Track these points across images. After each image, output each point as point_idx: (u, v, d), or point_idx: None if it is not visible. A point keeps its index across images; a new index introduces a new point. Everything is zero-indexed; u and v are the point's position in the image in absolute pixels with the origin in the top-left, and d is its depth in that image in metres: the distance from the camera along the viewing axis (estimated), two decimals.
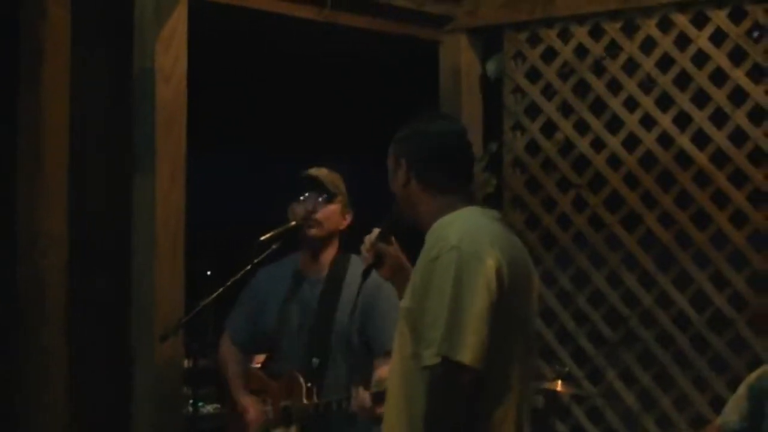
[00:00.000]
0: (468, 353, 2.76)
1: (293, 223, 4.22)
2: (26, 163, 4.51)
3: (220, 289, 4.01)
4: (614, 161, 5.54)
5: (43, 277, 4.48)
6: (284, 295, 4.35)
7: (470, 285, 2.81)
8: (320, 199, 4.23)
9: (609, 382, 5.49)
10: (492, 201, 5.57)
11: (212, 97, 5.74)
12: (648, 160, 5.47)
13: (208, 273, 6.29)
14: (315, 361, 4.15)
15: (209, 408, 5.80)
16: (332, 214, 4.27)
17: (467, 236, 2.87)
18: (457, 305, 2.79)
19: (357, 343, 4.18)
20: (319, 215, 4.23)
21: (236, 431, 4.37)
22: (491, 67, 5.90)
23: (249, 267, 4.08)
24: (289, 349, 4.29)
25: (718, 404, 5.23)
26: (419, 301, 2.88)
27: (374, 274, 3.50)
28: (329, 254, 4.31)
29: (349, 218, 4.31)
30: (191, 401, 4.22)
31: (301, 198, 4.25)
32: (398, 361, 3.00)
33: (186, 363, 4.79)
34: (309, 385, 4.12)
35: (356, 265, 4.19)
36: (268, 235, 4.12)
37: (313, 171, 4.28)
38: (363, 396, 3.86)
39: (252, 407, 4.32)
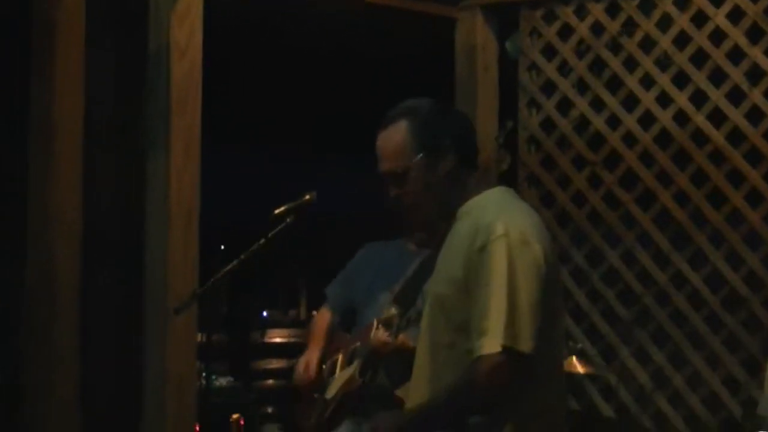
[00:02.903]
0: (529, 342, 2.77)
1: (307, 197, 4.22)
2: (39, 142, 4.52)
3: (234, 263, 4.02)
4: (630, 139, 5.52)
5: (55, 253, 4.48)
6: (383, 266, 4.41)
7: (524, 273, 2.80)
8: None
9: (622, 360, 5.48)
10: (507, 179, 5.56)
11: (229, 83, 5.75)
12: (664, 138, 5.45)
13: (222, 247, 6.31)
14: (393, 310, 4.18)
15: (222, 381, 5.83)
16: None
17: (511, 222, 2.85)
18: (514, 295, 2.78)
19: None
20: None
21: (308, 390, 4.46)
22: (511, 46, 5.87)
23: (263, 240, 4.08)
24: (371, 310, 4.34)
25: (731, 383, 5.24)
26: (461, 290, 2.86)
27: None
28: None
29: None
30: (204, 375, 4.25)
31: None
32: (428, 350, 2.97)
33: (199, 338, 4.81)
34: (380, 326, 4.16)
35: None
36: (282, 209, 4.12)
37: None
38: (380, 335, 4.01)
39: (303, 360, 4.42)
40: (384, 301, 4.32)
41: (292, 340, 8.02)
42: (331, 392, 4.35)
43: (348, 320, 4.65)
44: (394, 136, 3.00)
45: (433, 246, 3.09)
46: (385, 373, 4.16)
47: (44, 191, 4.48)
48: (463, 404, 2.86)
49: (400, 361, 4.03)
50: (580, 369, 4.97)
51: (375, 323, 4.23)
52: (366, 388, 4.23)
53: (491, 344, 2.76)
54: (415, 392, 3.03)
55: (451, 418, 2.87)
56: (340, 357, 4.41)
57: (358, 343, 4.31)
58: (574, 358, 4.87)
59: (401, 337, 4.06)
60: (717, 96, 5.29)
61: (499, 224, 2.83)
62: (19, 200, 4.53)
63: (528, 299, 2.79)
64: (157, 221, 4.72)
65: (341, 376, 4.35)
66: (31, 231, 4.51)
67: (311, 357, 4.44)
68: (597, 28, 5.61)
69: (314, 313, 4.69)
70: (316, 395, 4.42)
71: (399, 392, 4.05)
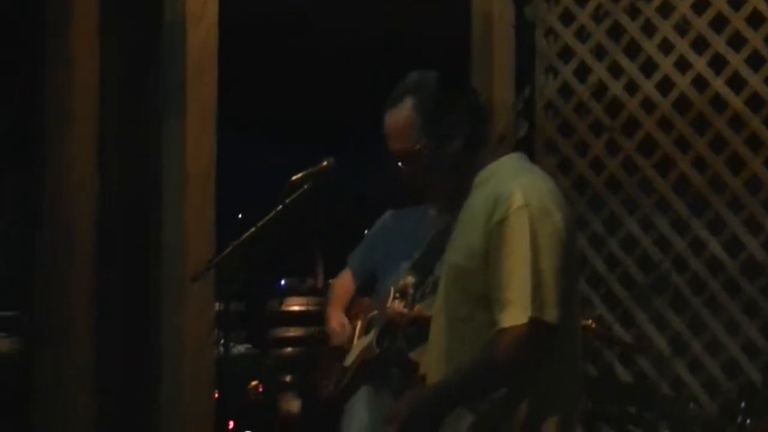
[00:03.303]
0: (554, 313, 2.76)
1: (324, 163, 4.21)
2: (56, 104, 4.51)
3: (252, 230, 4.02)
4: (648, 105, 5.48)
5: (72, 214, 4.49)
6: (406, 233, 4.43)
7: (546, 243, 2.78)
8: None
9: (640, 326, 5.47)
10: (524, 145, 5.53)
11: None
12: (682, 104, 5.41)
13: (240, 216, 6.30)
14: (410, 278, 4.18)
15: (240, 348, 5.85)
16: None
17: (531, 192, 2.82)
18: (538, 265, 2.76)
19: None
20: None
21: (326, 356, 4.47)
22: (530, 11, 5.83)
23: (280, 207, 4.08)
24: (391, 278, 4.36)
25: (749, 349, 5.23)
26: (480, 263, 2.83)
27: None
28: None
29: None
30: (221, 342, 4.25)
31: None
32: (444, 322, 2.95)
33: (217, 306, 4.82)
34: (397, 295, 4.17)
35: None
36: (299, 175, 4.11)
37: None
38: (396, 305, 4.07)
39: (335, 319, 4.46)
40: (403, 269, 4.32)
41: (310, 308, 8.03)
42: (348, 360, 4.37)
43: (369, 286, 4.67)
44: (400, 117, 2.96)
45: (454, 210, 3.06)
46: (405, 343, 4.17)
47: (61, 152, 4.48)
48: (487, 379, 2.83)
49: (418, 330, 4.05)
50: (596, 333, 4.96)
51: (391, 292, 4.24)
52: (383, 357, 4.25)
53: (516, 316, 2.75)
54: (432, 364, 3.01)
55: (474, 394, 2.86)
56: (359, 324, 4.42)
57: (376, 312, 4.32)
58: (591, 323, 4.85)
59: (418, 307, 4.07)
60: (736, 61, 5.25)
61: (519, 194, 2.81)
62: (38, 162, 4.54)
63: (551, 269, 2.77)
64: (173, 187, 4.73)
65: (359, 343, 4.36)
66: (48, 192, 4.51)
67: (341, 317, 4.46)
68: None
69: (330, 281, 4.69)
70: (335, 363, 4.44)
71: (413, 355, 4.07)
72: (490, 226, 2.81)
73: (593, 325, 4.83)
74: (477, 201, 2.90)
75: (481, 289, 2.83)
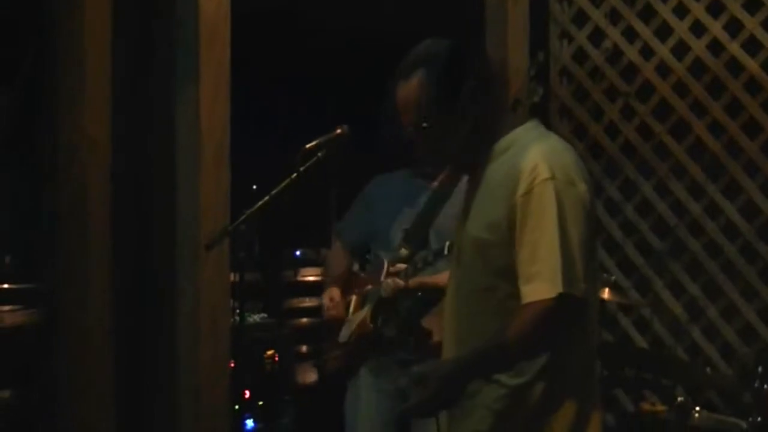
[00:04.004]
0: (582, 287, 2.72)
1: (338, 131, 4.19)
2: (68, 72, 4.50)
3: (266, 197, 4.00)
4: (663, 69, 5.46)
5: (85, 186, 4.49)
6: (397, 199, 4.40)
7: (573, 215, 2.73)
8: None
9: (656, 291, 5.46)
10: (538, 111, 5.51)
11: None
12: (698, 68, 5.39)
13: (254, 187, 6.30)
14: (403, 251, 4.17)
15: (256, 318, 5.85)
16: None
17: (555, 163, 2.76)
18: (566, 238, 2.71)
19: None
20: None
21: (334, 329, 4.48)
22: None
23: (295, 175, 4.06)
24: (384, 249, 4.35)
25: (766, 314, 5.22)
26: (503, 235, 2.77)
27: None
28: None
29: None
30: (237, 311, 4.25)
31: None
32: (464, 294, 2.91)
33: (232, 277, 4.81)
34: (391, 269, 4.16)
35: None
36: (313, 143, 4.09)
37: None
38: (391, 282, 4.06)
39: (326, 294, 4.44)
40: (395, 239, 4.31)
41: (326, 278, 8.03)
42: (344, 336, 4.35)
43: (359, 255, 4.65)
44: (411, 89, 2.90)
45: (470, 180, 3.03)
46: (407, 313, 4.16)
47: (73, 118, 4.47)
48: (515, 352, 2.80)
49: (418, 299, 4.07)
50: (613, 299, 4.95)
51: (386, 265, 4.22)
52: (378, 334, 4.24)
53: (544, 290, 2.70)
54: (450, 333, 2.99)
55: (501, 367, 2.85)
56: (354, 299, 4.41)
57: (370, 286, 4.31)
58: (607, 290, 4.84)
59: (414, 280, 4.08)
60: (752, 24, 5.22)
61: (544, 166, 2.75)
62: (49, 128, 4.53)
63: (578, 242, 2.73)
64: (187, 154, 4.71)
65: (354, 318, 4.34)
66: (62, 156, 4.50)
67: (334, 292, 4.45)
68: None
69: (326, 252, 4.67)
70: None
71: (425, 322, 4.07)
72: (514, 199, 2.75)
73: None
74: (497, 172, 2.85)
75: (504, 261, 2.79)
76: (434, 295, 3.92)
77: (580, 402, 2.85)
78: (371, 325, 4.24)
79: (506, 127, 2.91)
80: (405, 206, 4.36)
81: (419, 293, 4.09)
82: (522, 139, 2.87)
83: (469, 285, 2.90)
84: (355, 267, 4.74)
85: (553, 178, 2.73)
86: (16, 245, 5.29)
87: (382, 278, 4.20)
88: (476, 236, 2.86)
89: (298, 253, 8.46)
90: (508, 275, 2.77)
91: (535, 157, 2.78)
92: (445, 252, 3.91)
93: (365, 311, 4.27)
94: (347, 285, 4.52)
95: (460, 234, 2.98)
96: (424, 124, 2.90)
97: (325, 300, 4.46)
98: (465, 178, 3.91)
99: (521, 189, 2.75)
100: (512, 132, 2.89)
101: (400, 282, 4.05)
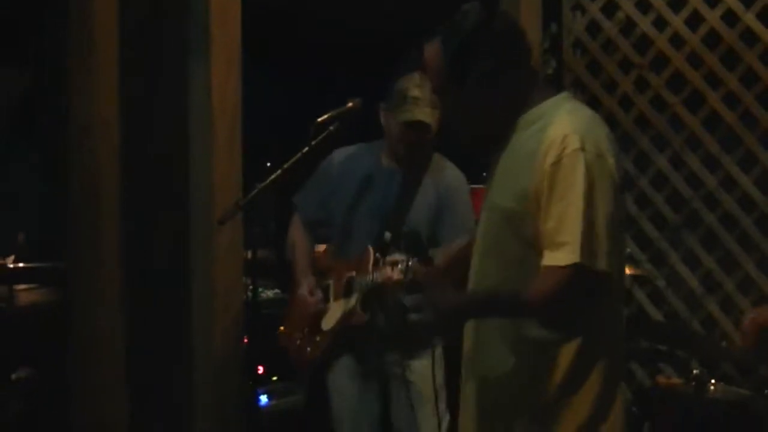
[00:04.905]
0: (606, 259, 2.72)
1: (350, 104, 4.17)
2: (77, 51, 4.48)
3: (278, 171, 3.99)
4: (677, 40, 5.41)
5: (98, 163, 4.48)
6: (361, 179, 4.35)
7: (601, 188, 2.73)
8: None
9: (672, 265, 5.43)
10: (552, 84, 5.47)
11: None
12: (712, 39, 5.34)
13: (268, 164, 6.28)
14: (387, 235, 4.14)
15: (269, 293, 5.84)
16: (435, 129, 4.29)
17: (586, 135, 2.76)
18: (592, 210, 2.71)
19: (426, 234, 4.18)
20: (432, 131, 4.28)
21: (295, 314, 4.42)
22: None
23: (306, 149, 4.05)
24: (359, 232, 4.30)
25: None
26: (531, 205, 2.78)
27: (453, 167, 4.08)
28: (418, 152, 4.31)
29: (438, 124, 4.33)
30: (250, 287, 4.24)
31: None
32: (495, 266, 2.91)
33: (246, 254, 4.80)
34: (377, 255, 4.13)
35: (439, 165, 4.35)
36: (325, 116, 4.08)
37: (420, 114, 4.22)
38: (389, 272, 3.99)
39: (307, 284, 4.37)
40: (369, 224, 4.26)
41: None
42: (328, 323, 4.30)
43: (318, 231, 4.59)
44: (431, 54, 2.93)
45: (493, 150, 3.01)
46: (404, 303, 4.10)
47: (83, 94, 4.46)
48: (523, 311, 2.83)
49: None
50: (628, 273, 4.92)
51: (371, 252, 4.17)
52: (371, 324, 4.19)
53: (562, 257, 2.71)
54: None
55: (510, 315, 2.86)
56: (332, 284, 4.35)
57: (354, 273, 4.26)
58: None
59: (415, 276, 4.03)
60: None
61: (575, 137, 2.75)
62: (61, 106, 4.52)
63: (604, 215, 2.73)
64: (200, 132, 4.70)
65: (337, 306, 4.28)
66: (73, 136, 4.50)
67: (310, 281, 4.39)
68: None
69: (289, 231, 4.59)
70: (305, 321, 4.37)
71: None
72: (543, 168, 2.76)
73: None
74: (527, 143, 2.84)
75: (533, 232, 2.78)
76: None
77: (605, 380, 2.84)
78: (363, 314, 4.19)
79: (536, 99, 2.89)
80: (370, 188, 4.32)
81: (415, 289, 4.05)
82: (552, 110, 2.85)
83: (500, 256, 2.89)
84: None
85: (583, 149, 2.72)
86: (30, 224, 5.30)
87: (370, 266, 4.15)
88: (504, 206, 2.85)
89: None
90: (538, 245, 2.76)
91: (565, 128, 2.77)
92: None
93: (354, 299, 4.21)
94: (314, 264, 4.46)
95: (485, 206, 2.97)
96: (440, 87, 2.90)
97: (305, 291, 4.36)
98: (435, 168, 3.99)
99: (550, 158, 2.75)
100: (542, 103, 2.88)
101: (399, 275, 3.93)
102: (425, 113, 4.18)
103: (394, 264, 4.00)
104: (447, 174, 4.37)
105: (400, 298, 4.07)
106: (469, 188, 4.38)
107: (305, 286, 4.37)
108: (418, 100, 4.18)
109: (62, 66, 4.52)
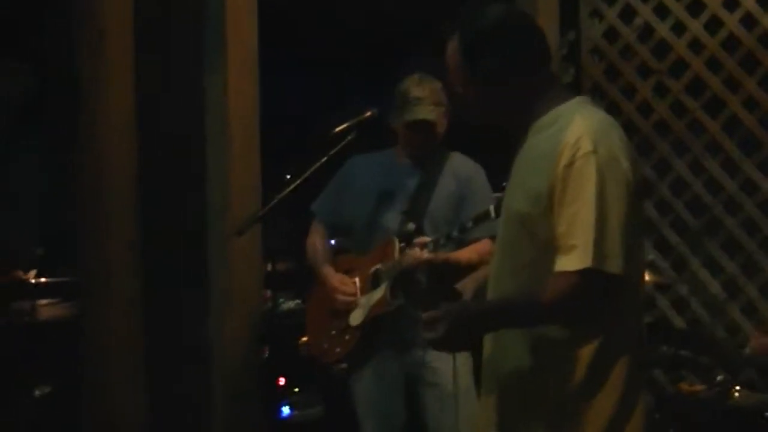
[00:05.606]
0: (619, 262, 2.68)
1: (368, 113, 4.18)
2: (89, 56, 4.48)
3: (297, 182, 4.01)
4: (696, 45, 5.39)
5: (112, 171, 4.48)
6: (380, 179, 4.37)
7: (613, 192, 2.69)
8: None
9: (693, 271, 5.40)
10: (570, 90, 5.44)
11: None
12: (731, 43, 5.32)
13: (288, 177, 6.28)
14: (411, 225, 4.15)
15: (290, 304, 5.83)
16: (442, 125, 4.32)
17: (599, 138, 2.72)
18: (604, 213, 2.68)
19: (450, 221, 4.22)
20: (439, 128, 4.30)
21: (317, 320, 4.42)
22: None
23: (325, 159, 4.06)
24: (381, 229, 4.31)
25: None
26: (545, 208, 2.75)
27: (467, 159, 4.11)
28: (428, 150, 4.35)
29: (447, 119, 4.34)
30: (270, 297, 4.24)
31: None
32: (509, 269, 2.88)
33: (266, 267, 4.80)
34: (403, 245, 4.12)
35: (455, 159, 4.37)
36: (343, 126, 4.09)
37: (422, 112, 4.22)
38: (416, 253, 4.02)
39: (335, 277, 4.37)
40: (391, 220, 4.26)
41: None
42: (356, 318, 4.29)
43: (338, 236, 4.60)
44: (450, 52, 2.91)
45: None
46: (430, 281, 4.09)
47: (96, 104, 4.47)
48: (534, 318, 2.81)
49: (443, 274, 4.01)
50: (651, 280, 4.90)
51: (395, 241, 4.17)
52: (401, 311, 4.17)
53: (575, 262, 2.68)
54: None
55: (525, 323, 2.83)
56: (357, 280, 4.35)
57: (380, 265, 4.26)
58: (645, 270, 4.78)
59: (441, 254, 4.02)
60: None
61: (588, 140, 2.72)
62: (73, 114, 4.53)
63: (618, 218, 2.70)
64: (216, 139, 4.70)
65: (366, 300, 4.27)
66: (82, 135, 4.50)
67: (341, 275, 4.38)
68: None
69: (308, 241, 4.58)
70: (329, 322, 4.36)
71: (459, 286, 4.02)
72: (557, 171, 2.73)
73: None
74: (540, 146, 2.82)
75: (547, 235, 2.76)
76: (456, 272, 3.89)
77: (626, 382, 2.82)
78: (393, 302, 4.18)
79: (551, 103, 2.88)
80: (389, 187, 4.32)
81: (443, 268, 4.02)
82: (567, 114, 2.83)
83: (514, 260, 2.87)
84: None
85: (595, 152, 2.70)
86: (47, 238, 5.31)
87: (396, 254, 4.15)
88: (519, 210, 2.84)
89: (332, 241, 8.46)
90: (551, 249, 2.75)
91: (579, 131, 2.75)
92: (492, 215, 3.84)
93: (382, 290, 4.20)
94: (335, 267, 4.46)
95: (502, 212, 2.96)
96: (458, 85, 2.90)
97: (336, 284, 4.35)
98: (451, 162, 3.98)
99: (563, 161, 2.72)
100: (558, 107, 2.86)
101: (427, 254, 3.98)
102: (427, 111, 4.21)
103: (423, 245, 4.00)
104: (464, 164, 4.41)
105: (432, 279, 4.08)
106: (483, 174, 4.38)
107: (334, 279, 4.35)
108: (420, 99, 4.20)
109: (73, 73, 4.52)
